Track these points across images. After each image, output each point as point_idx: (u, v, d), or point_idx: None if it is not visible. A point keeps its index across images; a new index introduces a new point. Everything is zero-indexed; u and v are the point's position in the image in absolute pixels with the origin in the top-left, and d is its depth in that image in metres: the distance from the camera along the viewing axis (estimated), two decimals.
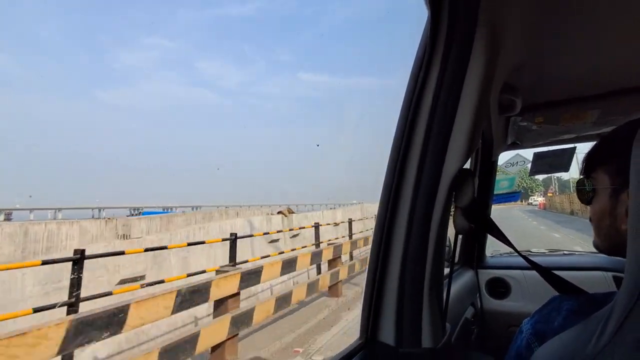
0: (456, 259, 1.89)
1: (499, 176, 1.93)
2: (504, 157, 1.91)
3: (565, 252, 2.17)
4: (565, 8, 0.86)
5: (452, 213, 0.79)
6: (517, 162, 1.95)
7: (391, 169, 0.72)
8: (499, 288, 1.86)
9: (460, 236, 1.93)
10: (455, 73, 0.69)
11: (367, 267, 0.74)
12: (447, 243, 1.83)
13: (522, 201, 56.09)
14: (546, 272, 0.84)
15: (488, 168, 1.81)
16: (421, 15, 0.69)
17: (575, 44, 1.06)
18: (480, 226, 0.79)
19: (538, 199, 52.86)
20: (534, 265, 0.87)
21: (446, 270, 1.73)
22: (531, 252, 2.23)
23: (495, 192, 1.93)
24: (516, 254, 2.21)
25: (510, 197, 1.98)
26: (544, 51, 1.10)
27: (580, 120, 1.43)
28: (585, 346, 0.45)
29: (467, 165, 0.72)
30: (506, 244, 0.86)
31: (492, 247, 2.48)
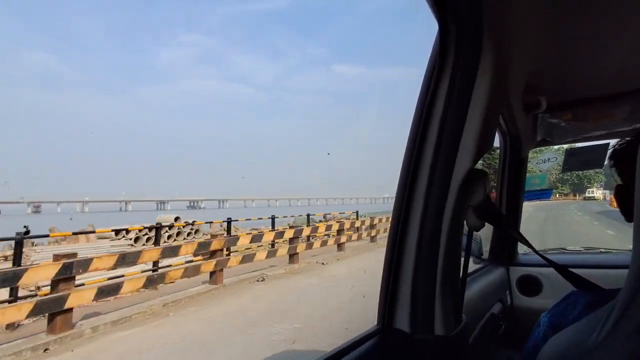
0: (485, 255, 1.91)
1: (530, 173, 1.93)
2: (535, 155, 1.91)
3: (602, 250, 2.11)
4: (585, 8, 0.88)
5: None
6: (548, 159, 1.94)
7: (406, 166, 0.77)
8: (531, 285, 1.85)
9: (491, 232, 1.96)
10: (464, 80, 0.75)
11: (385, 257, 0.79)
12: (478, 239, 1.86)
13: (575, 195, 46.56)
14: (563, 270, 0.86)
15: (519, 165, 1.82)
16: (433, 19, 0.74)
17: (599, 44, 1.08)
18: (494, 225, 0.83)
19: (598, 192, 42.25)
20: (550, 263, 0.89)
21: (473, 266, 1.77)
22: (566, 250, 2.19)
23: (526, 189, 1.92)
24: (550, 252, 2.17)
25: (541, 194, 1.97)
26: (567, 52, 1.12)
27: (609, 118, 1.42)
28: (590, 335, 0.47)
29: (495, 163, 0.77)
30: (522, 242, 0.89)
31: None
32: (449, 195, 0.74)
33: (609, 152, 0.77)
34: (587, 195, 44.39)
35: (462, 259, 0.88)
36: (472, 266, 1.75)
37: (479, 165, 0.82)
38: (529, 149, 1.80)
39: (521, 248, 2.18)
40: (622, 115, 1.38)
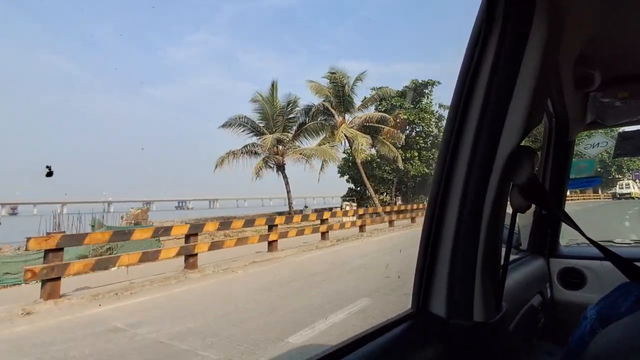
0: (525, 245, 1.81)
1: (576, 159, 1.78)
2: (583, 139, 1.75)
3: None
4: None
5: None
6: (598, 144, 1.78)
7: (445, 143, 0.73)
8: (573, 279, 1.75)
9: (529, 223, 1.85)
10: (514, 45, 0.69)
11: (421, 237, 0.76)
12: (516, 230, 1.77)
13: (598, 191, 32.46)
14: (620, 260, 0.79)
15: (563, 149, 1.69)
16: None
17: None
18: (541, 206, 0.77)
19: (635, 186, 30.24)
20: (606, 253, 0.83)
21: (512, 256, 1.69)
22: (614, 242, 2.04)
23: (571, 177, 1.79)
24: (601, 242, 2.05)
25: (588, 182, 1.83)
26: (628, 19, 1.01)
27: None
28: None
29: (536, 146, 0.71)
30: (575, 228, 0.82)
31: (568, 236, 2.30)
32: (492, 173, 0.69)
33: None
34: (618, 190, 29.72)
35: (504, 245, 0.82)
36: (511, 257, 1.68)
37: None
38: (577, 132, 1.66)
39: (563, 239, 2.06)
40: None
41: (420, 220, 16.98)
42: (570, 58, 1.09)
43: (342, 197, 28.83)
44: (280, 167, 24.01)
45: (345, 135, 23.81)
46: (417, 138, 27.91)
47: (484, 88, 0.70)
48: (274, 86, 24.33)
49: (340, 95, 24.34)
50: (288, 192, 24.55)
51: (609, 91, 1.34)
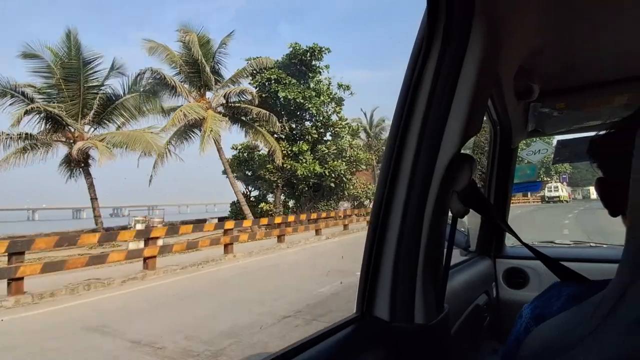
0: (473, 247, 1.87)
1: (520, 164, 1.86)
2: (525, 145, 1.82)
3: (592, 244, 2.09)
4: None
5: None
6: (539, 150, 1.87)
7: (389, 151, 0.74)
8: (517, 278, 1.83)
9: (477, 224, 1.92)
10: (453, 59, 0.71)
11: (365, 243, 0.77)
12: (466, 232, 1.82)
13: (526, 194, 29.16)
14: (548, 261, 0.82)
15: (508, 155, 1.76)
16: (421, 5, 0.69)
17: (597, 27, 1.02)
18: (478, 211, 0.79)
19: (564, 189, 28.65)
20: (536, 254, 0.86)
21: (460, 257, 1.74)
22: (554, 243, 2.16)
23: (515, 181, 1.87)
24: (539, 245, 2.15)
25: (530, 186, 1.92)
26: (563, 36, 1.06)
27: (607, 105, 1.35)
28: (577, 327, 0.46)
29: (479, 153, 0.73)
30: (509, 232, 0.85)
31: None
32: (432, 180, 0.71)
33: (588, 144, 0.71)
34: (547, 193, 27.97)
35: (446, 248, 0.84)
36: (460, 258, 1.73)
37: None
38: (520, 140, 1.73)
39: (509, 240, 2.15)
40: (620, 102, 1.31)
41: (328, 231, 14.91)
42: (510, 70, 1.12)
43: (231, 204, 21.39)
44: (80, 163, 15.48)
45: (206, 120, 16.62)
46: (311, 127, 20.30)
47: (425, 100, 0.72)
48: (69, 37, 15.16)
49: (198, 63, 17.03)
50: (93, 199, 15.97)
51: (548, 102, 1.40)
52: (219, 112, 18.15)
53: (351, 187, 22.00)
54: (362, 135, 29.77)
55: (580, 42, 1.09)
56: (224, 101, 18.30)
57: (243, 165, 20.95)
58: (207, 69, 17.32)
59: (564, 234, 11.45)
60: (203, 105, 17.52)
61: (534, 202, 28.82)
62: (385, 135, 29.31)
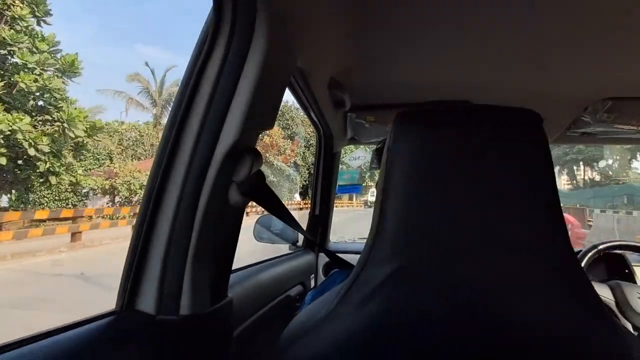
0: (301, 242, 2.00)
1: (343, 169, 2.08)
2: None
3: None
4: (396, 8, 0.92)
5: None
6: (359, 157, 2.13)
7: (164, 140, 0.71)
8: (332, 270, 2.02)
9: (305, 219, 2.06)
10: (237, 55, 0.70)
11: (132, 232, 0.71)
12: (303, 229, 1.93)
13: (352, 198, 30.44)
14: (330, 254, 0.92)
15: (331, 159, 1.93)
16: None
17: (399, 55, 1.16)
18: (258, 203, 0.83)
19: None
20: (325, 252, 0.97)
21: (288, 251, 1.84)
22: (356, 240, 2.50)
23: (338, 184, 2.08)
24: (360, 240, 2.44)
25: (352, 188, 2.16)
26: (365, 60, 1.19)
27: None
28: (324, 307, 0.53)
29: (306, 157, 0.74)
30: (292, 227, 0.94)
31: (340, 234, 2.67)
32: (209, 171, 0.70)
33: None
34: (370, 198, 27.78)
35: (232, 236, 0.84)
36: (287, 251, 1.82)
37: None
38: (341, 145, 1.92)
39: (334, 236, 2.39)
40: None
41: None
42: (322, 80, 1.21)
43: None
44: None
45: None
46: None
47: (208, 92, 0.70)
48: None
49: None
50: None
51: (360, 114, 1.59)
52: None
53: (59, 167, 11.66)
54: (147, 102, 23.90)
55: (387, 65, 1.23)
56: None
57: None
58: None
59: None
60: None
61: (357, 206, 30.84)
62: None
